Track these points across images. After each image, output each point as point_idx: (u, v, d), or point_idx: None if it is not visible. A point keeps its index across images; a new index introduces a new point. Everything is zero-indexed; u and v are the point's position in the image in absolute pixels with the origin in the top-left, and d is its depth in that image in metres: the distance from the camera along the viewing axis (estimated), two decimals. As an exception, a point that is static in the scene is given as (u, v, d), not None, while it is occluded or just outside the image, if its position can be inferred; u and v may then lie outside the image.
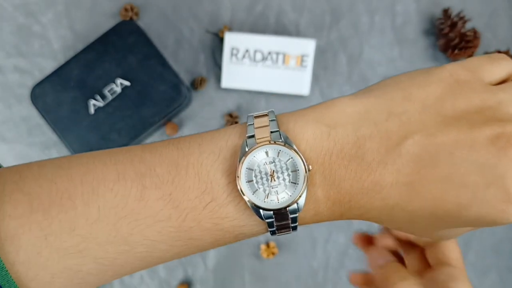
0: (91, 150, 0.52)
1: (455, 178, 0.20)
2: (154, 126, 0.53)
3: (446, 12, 0.57)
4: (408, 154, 0.21)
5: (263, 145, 0.22)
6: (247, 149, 0.22)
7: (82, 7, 0.58)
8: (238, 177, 0.22)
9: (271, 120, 0.22)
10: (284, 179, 0.22)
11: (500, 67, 0.23)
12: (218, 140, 0.23)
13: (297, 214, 0.22)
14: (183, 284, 0.58)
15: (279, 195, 0.22)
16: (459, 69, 0.22)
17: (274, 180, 0.22)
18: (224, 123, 0.59)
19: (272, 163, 0.22)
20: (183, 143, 0.23)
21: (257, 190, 0.22)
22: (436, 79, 0.22)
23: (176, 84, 0.52)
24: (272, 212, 0.22)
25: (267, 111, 0.23)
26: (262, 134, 0.22)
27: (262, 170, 0.22)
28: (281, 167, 0.22)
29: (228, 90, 0.59)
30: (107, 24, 0.58)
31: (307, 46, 0.55)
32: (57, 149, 0.58)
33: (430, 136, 0.20)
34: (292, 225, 0.22)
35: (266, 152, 0.22)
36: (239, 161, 0.22)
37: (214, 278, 0.60)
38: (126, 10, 0.57)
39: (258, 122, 0.23)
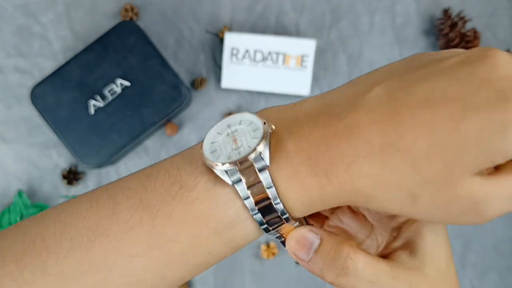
0: (91, 150, 0.52)
1: (436, 97, 0.18)
2: (154, 126, 0.53)
3: (446, 12, 0.57)
4: (378, 95, 0.19)
5: (225, 118, 0.22)
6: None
7: (82, 8, 0.58)
8: (202, 150, 0.20)
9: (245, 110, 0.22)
10: (246, 139, 0.20)
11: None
12: (191, 148, 0.22)
13: (266, 170, 0.19)
14: (183, 284, 0.58)
15: (240, 151, 0.20)
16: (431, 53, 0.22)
17: (236, 143, 0.20)
18: (224, 123, 0.59)
19: (235, 131, 0.21)
20: (155, 164, 0.23)
21: (220, 156, 0.20)
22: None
23: (176, 84, 0.52)
24: (238, 172, 0.19)
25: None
26: (231, 118, 0.22)
27: (225, 140, 0.21)
28: (243, 131, 0.21)
29: (228, 90, 0.59)
30: (107, 24, 0.58)
31: (307, 46, 0.55)
32: (57, 150, 0.58)
33: (397, 79, 0.19)
34: (267, 187, 0.19)
35: (228, 125, 0.21)
36: (203, 140, 0.21)
37: (214, 278, 0.60)
38: (126, 10, 0.57)
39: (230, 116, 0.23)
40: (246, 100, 0.59)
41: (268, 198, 0.19)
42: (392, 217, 0.23)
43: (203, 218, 0.20)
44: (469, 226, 0.60)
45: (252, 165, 0.19)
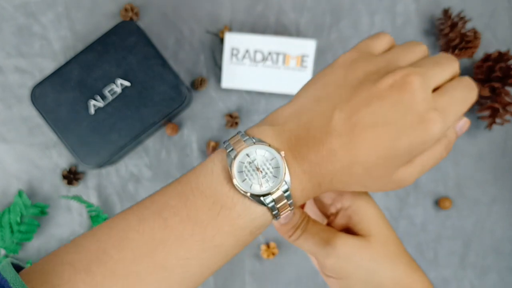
0: (91, 150, 0.52)
1: (378, 121, 0.26)
2: (154, 126, 0.53)
3: (446, 12, 0.57)
4: (340, 120, 0.26)
5: (242, 149, 0.27)
6: (232, 156, 0.27)
7: (82, 8, 0.58)
8: (235, 180, 0.26)
9: (241, 135, 0.28)
10: (268, 168, 0.27)
11: (381, 41, 0.30)
12: (207, 164, 0.28)
13: (289, 191, 0.27)
14: (183, 284, 0.58)
15: (269, 182, 0.27)
16: (350, 53, 0.29)
17: (261, 172, 0.27)
18: (224, 123, 0.59)
19: (255, 160, 0.27)
20: (181, 178, 0.28)
21: (252, 184, 0.26)
22: (337, 65, 0.29)
23: (176, 84, 0.52)
24: (270, 196, 0.26)
25: (236, 132, 0.29)
26: (238, 145, 0.27)
27: (249, 169, 0.27)
28: (262, 161, 0.27)
29: (228, 91, 0.59)
30: (107, 24, 0.58)
31: (308, 47, 0.55)
32: (57, 150, 0.58)
33: (349, 101, 0.27)
34: (288, 202, 0.27)
35: (247, 155, 0.27)
36: (230, 168, 0.26)
37: (214, 278, 0.60)
38: (126, 10, 0.57)
39: (232, 140, 0.28)
40: (246, 100, 0.59)
41: (287, 206, 0.27)
42: (333, 204, 0.33)
43: (244, 228, 0.27)
44: (470, 227, 0.60)
45: (282, 194, 0.27)
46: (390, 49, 0.30)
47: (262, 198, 0.26)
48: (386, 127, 0.26)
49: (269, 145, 0.27)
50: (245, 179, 0.26)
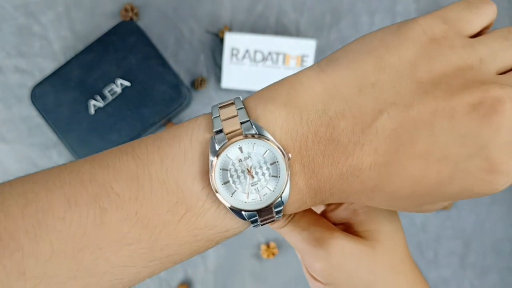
0: (91, 150, 0.52)
1: (435, 151, 0.18)
2: (154, 126, 0.53)
3: (446, 12, 0.57)
4: (384, 130, 0.19)
5: (235, 141, 0.19)
6: (217, 148, 0.19)
7: (82, 8, 0.58)
8: (213, 182, 0.19)
9: (239, 109, 0.20)
10: (263, 174, 0.19)
11: (480, 14, 0.20)
12: (180, 139, 0.20)
13: (281, 208, 0.20)
14: (183, 284, 0.58)
15: (260, 192, 0.19)
16: (433, 23, 0.20)
17: (253, 177, 0.19)
18: (224, 123, 0.59)
19: (248, 158, 0.19)
20: (138, 149, 0.20)
21: (235, 191, 0.19)
22: (409, 40, 0.19)
23: (176, 84, 0.52)
24: (255, 212, 0.20)
25: (233, 99, 0.20)
26: (232, 126, 0.19)
27: (237, 168, 0.19)
28: (259, 161, 0.19)
29: (228, 91, 0.59)
30: (107, 24, 0.58)
31: (308, 47, 0.55)
32: (57, 150, 0.58)
33: (406, 108, 0.18)
34: (276, 216, 0.20)
35: (240, 148, 0.19)
36: (211, 164, 0.19)
37: (214, 278, 0.60)
38: (126, 10, 0.57)
39: (224, 113, 0.20)
40: (246, 100, 0.59)
41: (273, 218, 0.21)
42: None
43: (210, 240, 0.20)
44: (470, 227, 0.60)
45: (271, 208, 0.20)
46: (487, 28, 0.21)
47: (243, 213, 0.20)
48: (441, 163, 0.18)
49: (275, 144, 0.19)
50: (228, 181, 0.19)
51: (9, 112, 0.58)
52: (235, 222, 0.20)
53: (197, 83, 0.58)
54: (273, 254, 0.58)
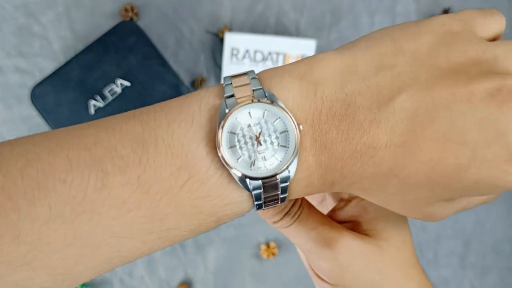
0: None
1: (453, 135, 0.18)
2: (154, 126, 0.53)
3: (446, 12, 0.57)
4: (402, 110, 0.18)
5: (245, 104, 0.19)
6: (227, 111, 0.19)
7: (82, 8, 0.58)
8: (219, 144, 0.18)
9: (252, 78, 0.19)
10: (272, 143, 0.19)
11: (493, 22, 0.21)
12: (189, 105, 0.19)
13: (288, 183, 0.19)
14: (183, 284, 0.58)
15: (267, 161, 0.19)
16: (451, 20, 0.20)
17: (261, 144, 0.19)
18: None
19: (258, 124, 0.19)
20: (147, 114, 0.19)
21: (241, 156, 0.19)
22: (428, 29, 0.20)
23: (176, 84, 0.52)
24: (260, 181, 0.19)
25: (246, 71, 0.20)
26: (243, 92, 0.19)
27: (246, 133, 0.19)
28: (268, 129, 0.19)
29: (228, 90, 0.59)
30: (107, 24, 0.58)
31: (308, 46, 0.55)
32: (57, 150, 0.58)
33: (426, 89, 0.18)
34: (281, 196, 0.20)
35: (249, 113, 0.19)
36: (219, 125, 0.18)
37: (214, 278, 0.60)
38: (126, 10, 0.57)
39: (237, 81, 0.19)
40: (246, 100, 0.59)
41: (278, 199, 0.20)
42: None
43: (210, 213, 0.19)
44: (470, 227, 0.60)
45: (277, 180, 0.19)
46: (497, 38, 0.22)
47: (247, 180, 0.19)
48: (459, 148, 0.18)
49: (287, 112, 0.19)
50: (235, 146, 0.19)
51: (9, 112, 0.58)
52: (238, 195, 0.19)
53: (197, 83, 0.58)
54: (273, 254, 0.58)
